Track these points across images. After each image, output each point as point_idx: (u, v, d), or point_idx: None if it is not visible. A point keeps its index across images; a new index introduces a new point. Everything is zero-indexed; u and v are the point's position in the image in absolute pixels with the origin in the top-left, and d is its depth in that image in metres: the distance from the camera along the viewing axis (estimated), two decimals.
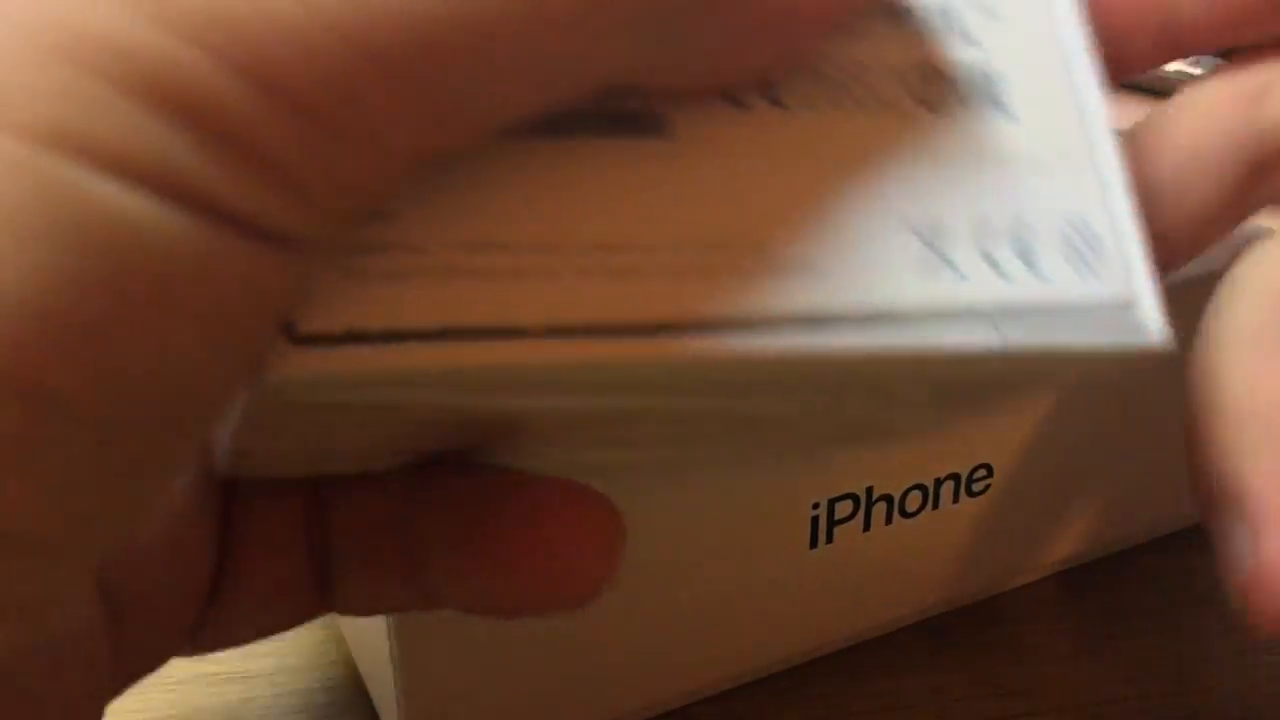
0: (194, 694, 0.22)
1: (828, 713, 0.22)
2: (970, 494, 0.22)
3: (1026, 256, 0.13)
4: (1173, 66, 0.58)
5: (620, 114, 0.12)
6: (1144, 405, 0.23)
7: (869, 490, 0.21)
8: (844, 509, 0.21)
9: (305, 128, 0.08)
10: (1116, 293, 0.13)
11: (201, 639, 0.14)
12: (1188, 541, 0.26)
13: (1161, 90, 0.60)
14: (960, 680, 0.22)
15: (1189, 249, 0.17)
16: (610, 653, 0.20)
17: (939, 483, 0.22)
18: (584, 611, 0.14)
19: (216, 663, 0.23)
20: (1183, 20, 0.19)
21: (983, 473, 0.22)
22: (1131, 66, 0.20)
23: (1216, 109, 0.18)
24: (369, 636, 0.20)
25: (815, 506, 0.21)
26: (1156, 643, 0.23)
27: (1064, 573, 0.25)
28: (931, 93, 0.13)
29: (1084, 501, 0.24)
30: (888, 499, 0.21)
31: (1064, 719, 0.21)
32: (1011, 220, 0.13)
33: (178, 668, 0.23)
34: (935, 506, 0.22)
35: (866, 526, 0.21)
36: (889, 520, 0.21)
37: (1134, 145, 0.18)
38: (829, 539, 0.21)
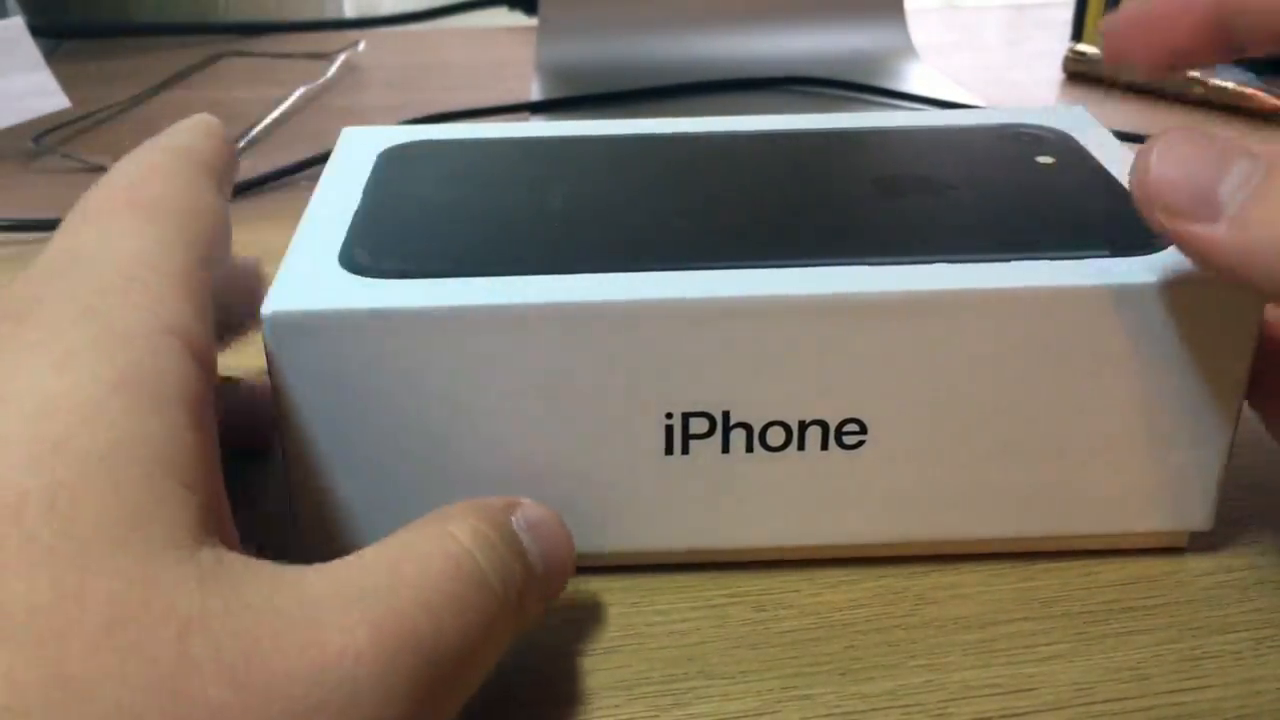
0: None
1: (827, 712, 0.22)
2: (841, 445, 0.23)
3: None
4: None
5: None
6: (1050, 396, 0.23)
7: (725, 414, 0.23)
8: (699, 425, 0.23)
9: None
10: None
11: None
12: (1187, 542, 0.26)
13: (1160, 92, 0.60)
14: (960, 680, 0.22)
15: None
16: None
17: (804, 426, 0.23)
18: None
19: None
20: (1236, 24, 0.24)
21: (854, 427, 0.23)
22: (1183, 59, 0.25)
23: None
24: None
25: (669, 416, 0.23)
26: (1156, 642, 0.23)
27: (1063, 572, 0.25)
28: None
29: (977, 477, 0.24)
30: (746, 426, 0.23)
31: (1063, 718, 0.22)
32: None
33: None
34: (801, 448, 0.23)
35: (725, 449, 0.23)
36: (749, 449, 0.23)
37: None
38: (685, 451, 0.23)
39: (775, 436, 0.23)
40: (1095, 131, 0.29)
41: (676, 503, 0.24)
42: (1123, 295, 0.22)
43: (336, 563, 0.18)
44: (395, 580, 0.17)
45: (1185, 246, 0.20)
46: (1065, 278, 0.22)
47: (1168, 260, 0.23)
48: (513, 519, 0.21)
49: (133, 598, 0.15)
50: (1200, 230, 0.19)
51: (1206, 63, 0.25)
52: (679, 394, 0.23)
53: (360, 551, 0.18)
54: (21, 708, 0.14)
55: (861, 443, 0.23)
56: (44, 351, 0.17)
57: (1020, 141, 0.28)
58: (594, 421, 0.23)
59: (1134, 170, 0.20)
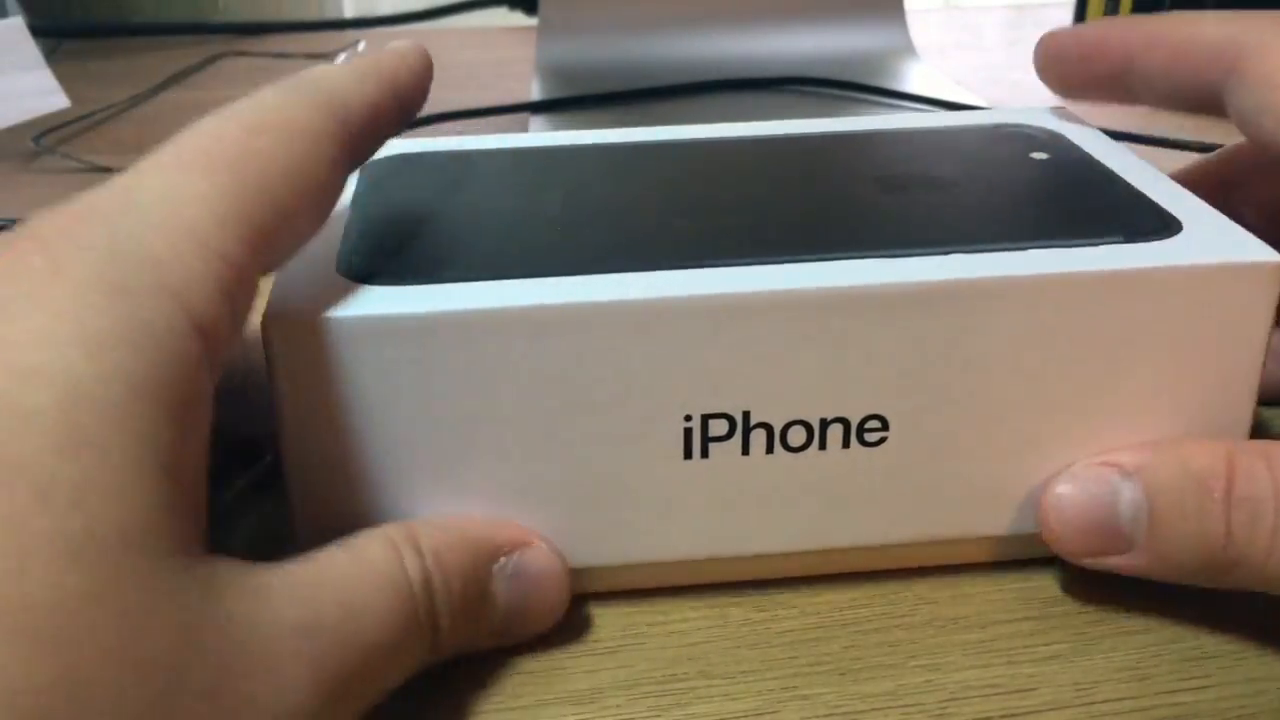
0: None
1: (827, 712, 0.22)
2: (863, 443, 0.23)
3: None
4: None
5: None
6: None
7: (745, 415, 0.23)
8: (718, 427, 0.22)
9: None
10: None
11: None
12: None
13: None
14: (960, 680, 0.22)
15: None
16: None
17: (825, 424, 0.23)
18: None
19: None
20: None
21: (875, 423, 0.23)
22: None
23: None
24: None
25: (688, 419, 0.22)
26: (1156, 642, 0.23)
27: (1063, 572, 0.25)
28: None
29: (998, 470, 0.24)
30: (766, 427, 0.23)
31: (1063, 719, 0.22)
32: None
33: None
34: (822, 447, 0.23)
35: (745, 450, 0.23)
36: (770, 450, 0.23)
37: None
38: (704, 454, 0.23)
39: (796, 436, 0.23)
40: (1079, 128, 0.29)
41: (697, 508, 0.23)
42: (1146, 279, 0.22)
43: (301, 573, 0.19)
44: (345, 611, 0.19)
45: (1114, 573, 0.23)
46: (1087, 263, 0.22)
47: (1183, 245, 0.23)
48: (499, 564, 0.22)
49: (143, 606, 0.16)
50: (1122, 561, 0.23)
51: (1102, 101, 0.28)
52: (697, 395, 0.22)
53: (329, 556, 0.20)
54: (35, 708, 0.15)
55: (884, 439, 0.23)
56: (72, 326, 0.17)
57: (1012, 139, 0.28)
58: (608, 426, 0.22)
59: (1038, 520, 0.24)
